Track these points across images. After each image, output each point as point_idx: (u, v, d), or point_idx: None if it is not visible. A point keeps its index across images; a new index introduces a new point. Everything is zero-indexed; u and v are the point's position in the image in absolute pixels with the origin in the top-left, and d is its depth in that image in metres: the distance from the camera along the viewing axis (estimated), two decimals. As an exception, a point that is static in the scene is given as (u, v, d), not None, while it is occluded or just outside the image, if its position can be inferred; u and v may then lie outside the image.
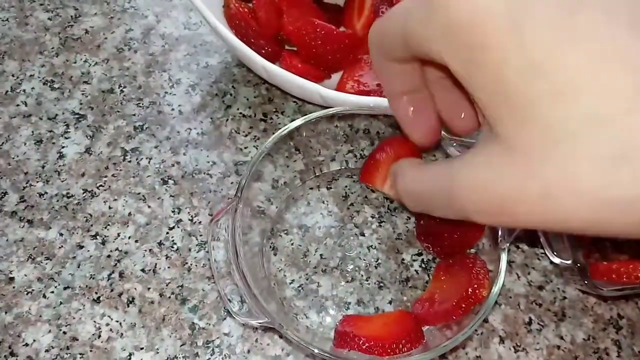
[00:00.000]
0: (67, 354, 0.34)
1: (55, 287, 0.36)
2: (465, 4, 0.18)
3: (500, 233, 0.33)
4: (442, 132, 0.36)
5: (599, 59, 0.16)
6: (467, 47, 0.18)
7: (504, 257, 0.32)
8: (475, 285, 0.31)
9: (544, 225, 0.19)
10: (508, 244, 0.33)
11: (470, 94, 0.19)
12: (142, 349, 0.34)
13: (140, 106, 0.44)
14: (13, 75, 0.45)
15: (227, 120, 0.43)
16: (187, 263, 0.37)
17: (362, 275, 0.37)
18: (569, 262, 0.34)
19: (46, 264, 0.37)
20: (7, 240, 0.38)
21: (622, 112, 0.16)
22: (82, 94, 0.44)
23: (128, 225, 0.39)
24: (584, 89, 0.16)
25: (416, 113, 0.27)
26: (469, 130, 0.28)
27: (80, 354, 0.34)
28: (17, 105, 0.43)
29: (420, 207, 0.25)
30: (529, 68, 0.17)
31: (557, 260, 0.35)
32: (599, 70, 0.16)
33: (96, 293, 0.36)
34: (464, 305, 0.31)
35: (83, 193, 0.40)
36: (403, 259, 0.38)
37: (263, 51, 0.42)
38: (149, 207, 0.39)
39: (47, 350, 0.34)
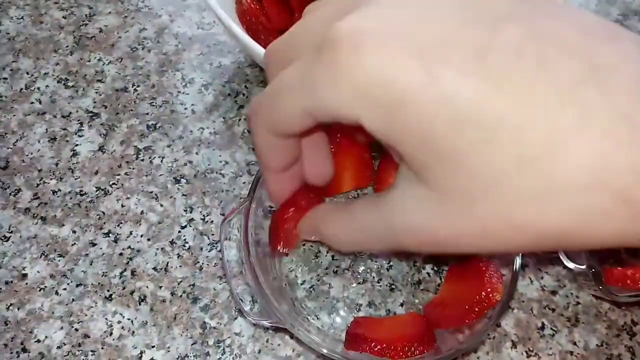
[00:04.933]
0: (78, 350, 0.34)
1: (68, 284, 0.36)
2: (375, 62, 0.17)
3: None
4: None
5: (518, 102, 0.16)
6: (385, 106, 0.17)
7: (517, 261, 0.32)
8: (489, 289, 0.31)
9: (489, 252, 0.20)
10: (522, 248, 0.33)
11: (393, 148, 0.19)
12: (153, 347, 0.34)
13: (153, 105, 0.44)
14: (28, 73, 0.45)
15: (239, 120, 0.43)
16: (198, 262, 0.37)
17: (373, 277, 0.37)
18: (584, 267, 0.34)
19: (59, 260, 0.37)
20: (20, 236, 0.38)
21: (543, 151, 0.16)
22: (96, 92, 0.44)
23: (140, 224, 0.39)
24: (507, 133, 0.16)
25: (294, 184, 0.27)
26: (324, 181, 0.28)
27: (91, 351, 0.34)
28: (32, 102, 0.44)
29: (355, 250, 0.25)
30: (453, 119, 0.17)
31: (571, 265, 0.35)
32: (517, 113, 0.16)
33: (108, 291, 0.36)
34: (477, 309, 0.31)
35: (96, 191, 0.40)
36: (415, 262, 0.38)
37: None
38: (162, 205, 0.39)
39: (58, 347, 0.34)
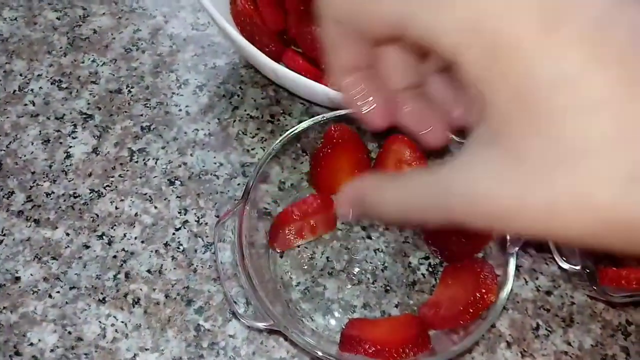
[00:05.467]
0: (72, 354, 0.34)
1: (61, 287, 0.36)
2: (496, 5, 0.17)
3: (508, 238, 0.33)
4: (450, 135, 0.36)
5: (626, 83, 0.16)
6: (491, 48, 0.17)
7: (512, 262, 0.32)
8: (483, 290, 0.31)
9: (542, 235, 0.19)
10: (517, 249, 0.33)
11: (478, 93, 0.18)
12: (147, 349, 0.34)
13: (147, 107, 0.44)
14: (21, 75, 0.45)
15: (234, 121, 0.43)
16: (193, 264, 0.37)
17: (368, 279, 0.37)
18: (578, 267, 0.34)
19: (52, 263, 0.37)
20: (13, 239, 0.38)
21: None
22: (90, 94, 0.44)
23: (134, 226, 0.39)
24: (609, 108, 0.16)
25: (370, 91, 0.24)
26: (437, 143, 0.26)
27: (85, 354, 0.34)
28: (25, 104, 0.44)
29: (400, 219, 0.24)
30: (557, 81, 0.16)
31: (566, 265, 0.35)
32: (624, 93, 0.16)
33: (102, 293, 0.36)
34: (471, 310, 0.31)
35: (90, 193, 0.40)
36: (410, 263, 0.38)
37: (267, 49, 0.42)
38: (156, 207, 0.39)
39: (52, 350, 0.34)
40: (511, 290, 0.32)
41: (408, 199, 0.22)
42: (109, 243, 0.38)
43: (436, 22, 0.18)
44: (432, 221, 0.22)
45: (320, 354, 0.30)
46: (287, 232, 0.36)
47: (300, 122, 0.43)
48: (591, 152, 0.16)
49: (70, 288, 0.36)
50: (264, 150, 0.42)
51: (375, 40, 0.22)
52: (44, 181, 0.40)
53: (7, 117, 0.43)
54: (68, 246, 0.38)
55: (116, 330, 0.35)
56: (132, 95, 0.44)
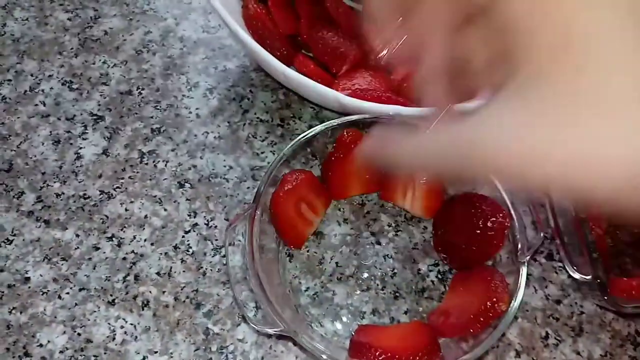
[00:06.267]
0: (81, 355, 0.34)
1: (71, 288, 0.36)
2: None
3: (519, 246, 0.33)
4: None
5: None
6: None
7: (523, 271, 0.32)
8: (494, 299, 0.31)
9: (565, 188, 0.18)
10: (528, 257, 0.32)
11: (516, 37, 0.18)
12: (156, 352, 0.34)
13: (157, 109, 0.44)
14: (32, 75, 0.45)
15: (244, 124, 0.43)
16: (202, 267, 0.37)
17: (377, 285, 0.37)
18: (589, 277, 0.34)
19: (62, 264, 0.37)
20: (23, 240, 0.38)
21: None
22: (101, 95, 0.44)
23: (144, 228, 0.39)
24: None
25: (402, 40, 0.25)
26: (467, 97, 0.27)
27: (94, 356, 0.34)
28: (36, 105, 0.44)
29: (417, 167, 0.24)
30: (601, 28, 0.16)
31: (577, 275, 0.35)
32: None
33: (111, 295, 0.36)
34: (482, 319, 0.31)
35: (100, 194, 0.40)
36: (419, 269, 0.38)
37: (278, 53, 0.42)
38: (165, 210, 0.39)
39: (61, 352, 0.34)
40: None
41: (430, 146, 0.22)
42: (119, 245, 0.38)
43: None
44: (449, 171, 0.22)
45: (329, 360, 0.30)
46: (290, 218, 0.36)
47: (310, 126, 0.43)
48: (636, 101, 0.16)
49: (80, 289, 0.36)
50: (273, 154, 0.42)
51: None
52: (54, 182, 0.40)
53: (18, 117, 0.43)
54: (78, 247, 0.38)
55: (125, 333, 0.35)
56: (142, 97, 0.44)
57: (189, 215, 0.39)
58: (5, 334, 0.34)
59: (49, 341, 0.34)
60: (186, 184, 0.41)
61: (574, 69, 0.17)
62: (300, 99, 0.45)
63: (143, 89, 0.45)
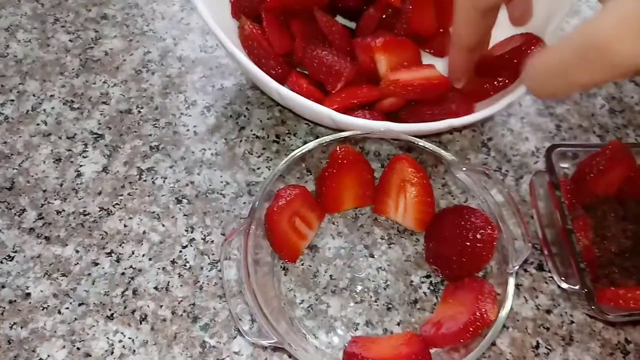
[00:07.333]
0: (80, 369, 0.35)
1: (70, 303, 0.37)
2: None
3: (509, 257, 0.34)
4: (451, 157, 0.37)
5: None
6: None
7: (511, 281, 0.33)
8: (484, 309, 0.31)
9: None
10: (516, 268, 0.33)
11: None
12: (153, 366, 0.35)
13: (156, 127, 0.45)
14: (34, 95, 0.46)
15: (240, 141, 0.45)
16: (199, 281, 0.38)
17: (371, 297, 0.38)
18: (577, 287, 0.35)
19: (62, 280, 0.38)
20: (24, 256, 0.39)
21: None
22: (101, 114, 0.46)
23: (142, 244, 0.39)
24: None
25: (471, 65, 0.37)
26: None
27: (93, 369, 0.35)
28: (37, 124, 0.45)
29: (564, 78, 0.25)
30: None
31: (565, 285, 0.35)
32: None
33: (110, 310, 0.37)
34: (471, 329, 0.31)
35: (99, 211, 0.41)
36: (412, 281, 0.38)
37: (273, 72, 0.43)
38: (163, 225, 0.40)
39: (61, 366, 0.35)
40: (511, 308, 0.33)
41: (565, 50, 0.25)
42: (117, 260, 0.39)
43: None
44: (586, 70, 0.24)
45: (323, 371, 0.31)
46: (284, 232, 0.36)
47: (305, 142, 0.44)
48: None
49: (79, 304, 0.37)
50: (269, 169, 0.43)
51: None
52: (55, 199, 0.41)
53: (20, 137, 0.44)
54: (77, 263, 0.39)
55: (124, 347, 0.36)
56: (141, 116, 0.46)
57: (186, 231, 0.40)
58: (6, 348, 0.35)
59: (48, 355, 0.35)
60: (184, 199, 0.42)
61: None
62: (295, 116, 0.46)
63: (142, 108, 0.46)
